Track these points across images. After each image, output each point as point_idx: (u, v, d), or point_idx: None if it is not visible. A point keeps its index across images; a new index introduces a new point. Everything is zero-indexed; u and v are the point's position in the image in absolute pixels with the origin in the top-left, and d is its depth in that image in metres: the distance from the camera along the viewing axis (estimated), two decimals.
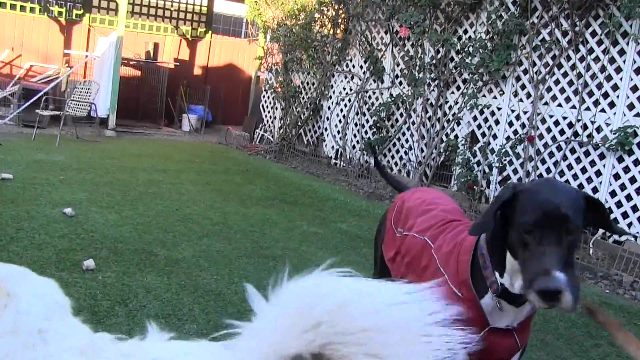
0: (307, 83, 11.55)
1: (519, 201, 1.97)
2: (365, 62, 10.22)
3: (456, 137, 8.59)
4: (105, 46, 11.77)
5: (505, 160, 7.77)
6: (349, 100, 10.51)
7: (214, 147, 11.80)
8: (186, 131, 13.54)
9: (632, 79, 6.70)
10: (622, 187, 6.69)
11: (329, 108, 11.02)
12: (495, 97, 8.12)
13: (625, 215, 6.62)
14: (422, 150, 9.02)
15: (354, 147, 10.39)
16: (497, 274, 2.08)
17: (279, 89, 11.92)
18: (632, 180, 6.60)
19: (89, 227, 5.31)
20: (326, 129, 10.98)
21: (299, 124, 11.53)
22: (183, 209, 6.39)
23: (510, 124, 7.88)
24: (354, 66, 10.54)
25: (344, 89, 10.71)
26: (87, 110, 10.68)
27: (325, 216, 6.96)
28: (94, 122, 11.36)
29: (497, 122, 8.04)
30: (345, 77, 10.68)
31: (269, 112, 12.67)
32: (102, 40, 12.20)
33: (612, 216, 6.73)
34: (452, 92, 8.70)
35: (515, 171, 7.74)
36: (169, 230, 5.55)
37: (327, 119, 11.02)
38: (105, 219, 5.64)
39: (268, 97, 12.64)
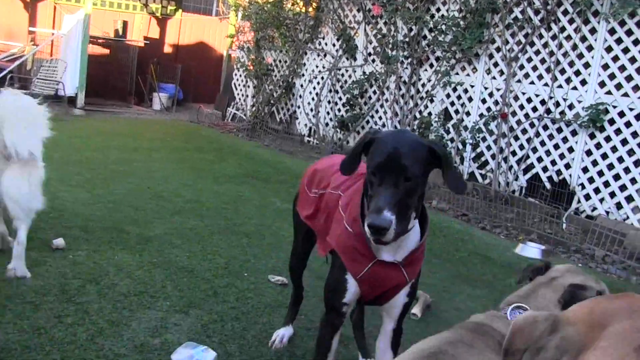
0: (280, 61, 11.40)
1: (373, 146, 2.21)
2: (337, 40, 10.10)
3: (429, 114, 8.55)
4: (72, 24, 11.42)
5: (478, 137, 7.77)
6: (322, 78, 10.40)
7: (186, 125, 11.61)
8: (157, 110, 13.29)
9: (603, 57, 6.71)
10: (594, 163, 6.73)
11: (301, 86, 10.90)
12: (468, 75, 8.09)
13: (597, 190, 6.66)
14: (395, 128, 8.97)
15: (327, 124, 10.30)
16: None
17: (251, 67, 11.74)
18: (604, 156, 6.64)
19: (58, 206, 5.14)
20: (299, 107, 10.86)
21: (272, 102, 11.39)
22: (155, 187, 6.25)
23: (484, 101, 7.87)
24: (326, 44, 10.41)
25: (317, 66, 10.59)
26: (55, 89, 10.40)
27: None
28: (62, 101, 11.07)
29: (470, 99, 8.02)
30: (318, 55, 10.55)
31: (241, 90, 12.49)
32: (68, 17, 11.84)
33: (584, 191, 6.78)
34: (425, 70, 8.65)
35: (488, 148, 7.74)
36: (140, 208, 5.42)
37: (300, 96, 10.91)
38: (75, 198, 5.48)
39: (240, 75, 12.45)
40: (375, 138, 2.22)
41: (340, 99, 10.02)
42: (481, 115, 7.83)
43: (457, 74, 8.18)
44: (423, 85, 8.67)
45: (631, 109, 6.43)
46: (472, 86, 8.00)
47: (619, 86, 6.57)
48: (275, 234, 5.23)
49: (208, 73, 14.82)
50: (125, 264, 4.08)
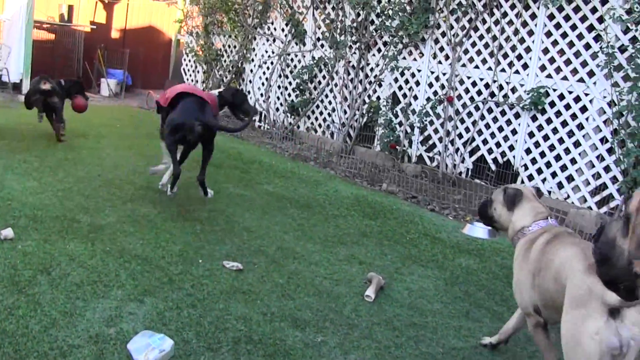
0: (229, 46, 11.23)
1: None
2: (286, 25, 9.99)
3: (378, 98, 8.58)
4: (15, 8, 10.93)
5: (426, 120, 7.84)
6: (272, 63, 10.30)
7: (135, 111, 11.32)
8: (105, 96, 12.92)
9: (543, 42, 6.84)
10: (537, 144, 6.88)
11: (251, 71, 10.77)
12: (415, 59, 8.13)
13: (539, 171, 6.82)
14: (345, 112, 8.97)
15: (277, 109, 10.21)
16: None
17: (200, 53, 11.52)
18: (545, 137, 6.79)
19: (5, 195, 4.95)
20: (249, 92, 10.73)
21: (222, 87, 11.22)
22: (105, 174, 6.08)
23: (430, 85, 7.93)
24: (275, 29, 10.29)
25: (266, 52, 10.47)
26: None
27: (251, 178, 6.81)
28: (6, 88, 10.64)
29: (417, 83, 8.07)
30: (268, 40, 10.43)
31: (190, 75, 12.26)
32: (10, 1, 11.33)
33: (527, 172, 6.93)
34: (374, 55, 8.65)
35: (436, 131, 7.82)
36: (91, 196, 5.26)
37: (250, 82, 10.78)
38: (23, 187, 5.28)
39: (189, 61, 12.21)
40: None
41: (290, 84, 9.94)
42: (428, 99, 7.89)
43: (404, 58, 8.21)
44: (371, 69, 8.68)
45: (570, 92, 6.59)
46: (419, 70, 8.05)
47: (558, 70, 6.71)
48: (228, 220, 5.16)
49: (157, 58, 14.49)
50: (77, 253, 3.96)
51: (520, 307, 3.05)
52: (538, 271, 2.83)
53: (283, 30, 10.11)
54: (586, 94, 6.47)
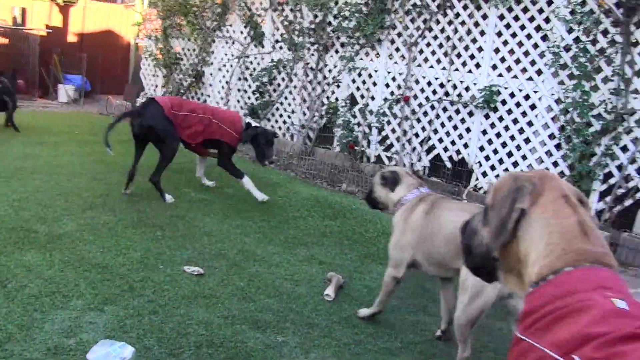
0: (188, 49, 11.15)
1: None
2: (245, 27, 9.98)
3: (336, 99, 8.64)
4: None
5: (383, 120, 7.94)
6: (231, 66, 10.28)
7: (95, 117, 11.16)
8: (63, 102, 12.72)
9: (494, 42, 6.99)
10: (490, 142, 7.03)
11: (211, 74, 10.73)
12: (372, 60, 8.22)
13: (493, 167, 6.99)
14: (304, 114, 9.02)
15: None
16: None
17: (160, 56, 11.42)
18: (498, 135, 6.96)
19: None
20: (209, 96, 10.69)
21: (182, 91, 11.15)
22: (63, 183, 6.02)
23: (387, 85, 8.03)
24: (234, 32, 10.27)
25: (225, 54, 10.44)
26: None
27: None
28: None
29: (374, 84, 8.17)
30: (227, 43, 10.40)
31: (150, 80, 12.13)
32: None
33: (481, 169, 7.08)
34: (331, 56, 8.72)
35: (393, 130, 7.93)
36: (48, 206, 5.20)
37: (210, 85, 10.74)
38: None
39: (148, 65, 12.07)
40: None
41: (249, 86, 9.94)
42: (385, 99, 7.99)
43: (361, 59, 8.29)
44: (329, 71, 8.74)
45: (520, 90, 6.76)
46: (376, 71, 8.14)
47: (509, 69, 6.88)
48: (189, 224, 5.16)
49: (116, 63, 14.30)
50: (34, 264, 3.92)
51: (395, 263, 3.50)
52: (427, 235, 3.35)
53: (242, 32, 10.09)
54: (535, 92, 6.65)
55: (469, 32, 7.21)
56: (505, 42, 6.91)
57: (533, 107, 6.67)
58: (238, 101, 10.17)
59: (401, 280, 3.54)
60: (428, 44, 7.63)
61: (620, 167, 6.02)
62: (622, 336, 1.06)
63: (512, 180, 1.44)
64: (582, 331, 1.11)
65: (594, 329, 1.10)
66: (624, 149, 5.98)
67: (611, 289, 1.20)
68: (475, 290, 2.95)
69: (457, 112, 7.32)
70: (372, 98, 8.19)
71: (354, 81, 8.42)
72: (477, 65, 7.15)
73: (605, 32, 6.09)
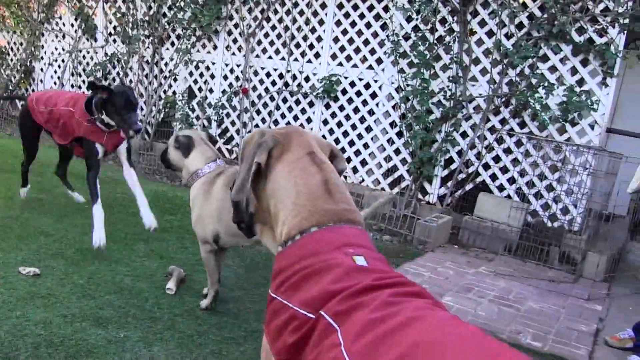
0: (15, 43, 9.44)
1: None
2: (75, 19, 8.52)
3: (174, 93, 7.51)
4: None
5: (222, 113, 6.93)
6: (63, 61, 8.77)
7: None
8: None
9: (333, 31, 6.27)
10: (331, 131, 6.30)
11: (42, 70, 9.11)
12: (209, 52, 7.18)
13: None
14: (141, 109, 7.77)
15: None
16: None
17: None
18: (339, 124, 6.23)
19: None
20: None
21: (10, 87, 9.41)
22: None
23: (225, 77, 7.04)
24: (64, 24, 8.76)
25: (56, 49, 8.89)
26: None
27: (48, 181, 5.57)
28: None
29: (212, 76, 7.13)
30: (57, 36, 8.85)
31: None
32: None
33: None
34: (167, 49, 7.56)
35: (233, 123, 6.95)
36: None
37: (41, 81, 9.12)
38: None
39: None
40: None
41: (84, 82, 8.49)
42: (224, 92, 6.99)
43: (198, 51, 7.23)
44: (166, 64, 7.57)
45: (360, 79, 6.08)
46: (213, 63, 7.12)
47: (349, 58, 6.19)
48: (24, 225, 4.24)
49: None
50: None
51: (200, 238, 3.06)
52: (228, 208, 2.84)
53: (72, 25, 8.61)
54: (375, 81, 6.00)
55: (307, 21, 6.41)
56: (345, 31, 6.19)
57: (374, 95, 6.00)
58: None
59: (216, 251, 3.10)
60: (266, 35, 6.74)
61: (460, 153, 5.51)
62: (361, 288, 1.07)
63: (258, 135, 1.35)
64: (326, 288, 1.09)
65: (337, 285, 1.09)
66: (464, 135, 5.51)
67: (353, 246, 1.19)
68: None
69: (298, 102, 6.50)
70: (211, 91, 7.15)
71: (191, 74, 7.33)
72: (317, 55, 6.38)
73: (443, 21, 5.57)
